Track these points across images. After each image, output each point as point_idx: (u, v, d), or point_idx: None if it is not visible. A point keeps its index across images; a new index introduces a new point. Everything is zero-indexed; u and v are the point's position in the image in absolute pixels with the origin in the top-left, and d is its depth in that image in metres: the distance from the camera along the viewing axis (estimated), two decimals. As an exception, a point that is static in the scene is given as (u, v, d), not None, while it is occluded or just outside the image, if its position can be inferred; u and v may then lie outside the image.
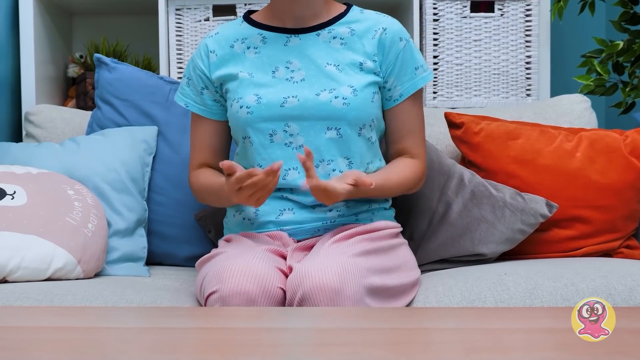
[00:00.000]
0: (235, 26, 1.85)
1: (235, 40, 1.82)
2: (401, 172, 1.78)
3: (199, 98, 1.84)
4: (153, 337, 1.07)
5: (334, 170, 1.74)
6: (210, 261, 1.68)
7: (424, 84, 1.82)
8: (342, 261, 1.51)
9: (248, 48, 1.81)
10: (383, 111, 1.83)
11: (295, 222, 1.74)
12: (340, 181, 1.61)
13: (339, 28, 1.80)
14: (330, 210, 1.75)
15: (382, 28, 1.79)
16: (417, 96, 1.83)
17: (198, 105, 1.84)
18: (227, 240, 1.78)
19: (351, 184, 1.60)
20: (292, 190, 1.75)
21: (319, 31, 1.80)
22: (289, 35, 1.80)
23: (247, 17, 1.85)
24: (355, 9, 1.84)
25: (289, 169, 1.74)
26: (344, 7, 1.84)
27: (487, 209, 1.95)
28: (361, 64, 1.77)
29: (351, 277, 1.48)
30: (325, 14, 1.81)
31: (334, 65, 1.76)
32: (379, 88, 1.80)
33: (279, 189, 1.76)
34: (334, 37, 1.79)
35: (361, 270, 1.51)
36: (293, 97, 1.74)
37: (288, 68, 1.77)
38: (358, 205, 1.77)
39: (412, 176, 1.79)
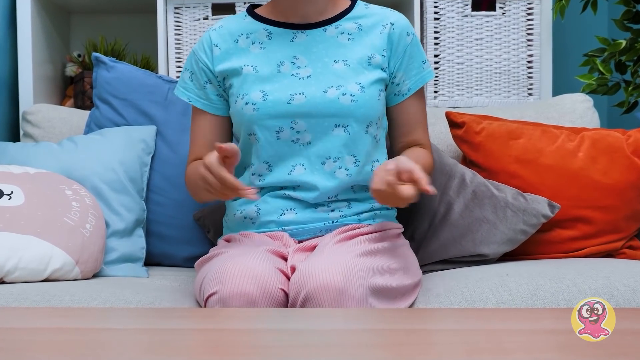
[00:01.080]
0: (239, 20, 1.82)
1: (240, 35, 1.79)
2: (421, 157, 1.76)
3: (202, 92, 1.81)
4: (152, 338, 1.06)
5: (339, 167, 1.73)
6: (209, 262, 1.66)
7: (430, 77, 1.83)
8: (346, 261, 1.49)
9: (253, 43, 1.78)
10: (388, 107, 1.83)
11: (297, 222, 1.73)
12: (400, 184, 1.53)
13: (345, 23, 1.78)
14: (332, 211, 1.74)
15: (390, 23, 1.78)
16: (421, 89, 1.84)
17: (201, 99, 1.81)
18: (227, 240, 1.77)
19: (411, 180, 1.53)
20: (294, 188, 1.74)
21: (326, 27, 1.78)
22: (295, 31, 1.78)
23: (251, 12, 1.84)
24: (360, 4, 1.83)
25: (296, 165, 1.73)
26: (349, 3, 1.83)
27: (488, 209, 1.94)
28: (369, 58, 1.75)
29: (355, 277, 1.47)
30: (331, 9, 1.80)
31: (342, 61, 1.75)
32: (385, 85, 1.79)
33: (282, 187, 1.75)
34: (342, 33, 1.77)
35: (365, 271, 1.50)
36: (300, 94, 1.72)
37: (294, 64, 1.75)
38: (360, 205, 1.76)
39: (429, 164, 1.80)
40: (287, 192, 1.74)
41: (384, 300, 1.54)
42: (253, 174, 1.77)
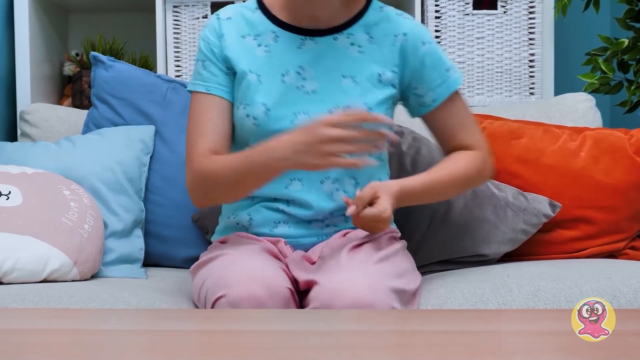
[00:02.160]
0: (248, 13, 1.71)
1: (248, 33, 1.69)
2: (453, 167, 1.67)
3: (222, 77, 1.69)
4: (151, 339, 1.05)
5: (337, 189, 1.68)
6: (207, 265, 1.62)
7: (457, 85, 1.71)
8: (369, 273, 1.45)
9: (259, 45, 1.69)
10: (419, 116, 1.74)
11: (290, 236, 1.69)
12: (378, 203, 1.55)
13: (357, 33, 1.68)
14: (327, 226, 1.69)
15: (403, 34, 1.68)
16: (455, 92, 1.72)
17: (221, 86, 1.68)
18: (222, 242, 1.73)
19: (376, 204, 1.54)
20: (288, 202, 1.68)
21: (336, 35, 1.68)
22: (303, 38, 1.68)
23: (261, 3, 1.72)
24: (375, 5, 1.72)
25: (294, 179, 1.67)
26: (363, 2, 1.72)
27: (489, 208, 1.93)
28: (380, 75, 1.67)
29: (382, 288, 1.43)
30: (344, 13, 1.69)
31: (351, 77, 1.66)
32: (394, 101, 1.71)
33: (275, 200, 1.69)
34: (352, 44, 1.68)
35: (387, 278, 1.47)
36: (304, 113, 1.64)
37: (300, 74, 1.66)
38: None
39: (467, 169, 1.68)
40: (280, 206, 1.68)
41: (402, 304, 1.51)
42: None
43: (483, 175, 1.73)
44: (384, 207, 1.54)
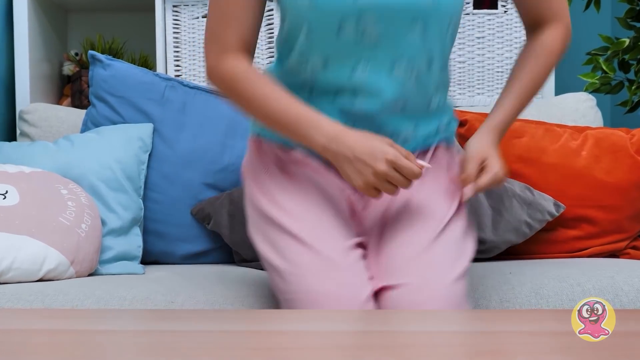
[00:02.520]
0: None
1: None
2: (536, 68, 1.54)
3: None
4: (150, 339, 1.05)
5: (412, 70, 1.43)
6: (285, 244, 1.43)
7: None
8: (450, 295, 1.39)
9: None
10: None
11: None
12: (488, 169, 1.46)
13: None
14: (394, 141, 1.50)
15: None
16: None
17: None
18: (278, 166, 1.51)
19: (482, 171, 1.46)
20: (355, 91, 1.44)
21: None
22: None
23: None
24: None
25: (359, 62, 1.41)
26: None
27: (495, 197, 1.95)
28: None
29: (456, 306, 1.39)
30: None
31: None
32: None
33: (337, 92, 1.44)
34: None
35: (462, 301, 1.41)
36: None
37: None
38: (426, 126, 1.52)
39: (548, 62, 1.55)
40: (344, 102, 1.45)
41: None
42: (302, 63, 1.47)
43: (564, 50, 1.58)
44: (495, 169, 1.46)
